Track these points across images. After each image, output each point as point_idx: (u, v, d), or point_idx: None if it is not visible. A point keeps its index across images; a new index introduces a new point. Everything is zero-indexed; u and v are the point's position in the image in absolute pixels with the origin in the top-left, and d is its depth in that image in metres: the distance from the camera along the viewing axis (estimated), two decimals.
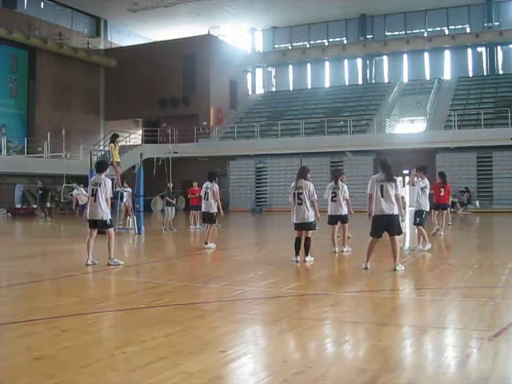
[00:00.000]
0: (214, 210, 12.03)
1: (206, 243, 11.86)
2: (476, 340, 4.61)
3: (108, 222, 9.00)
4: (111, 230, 9.11)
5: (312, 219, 9.25)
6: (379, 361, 4.08)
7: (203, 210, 12.26)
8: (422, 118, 33.42)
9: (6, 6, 34.28)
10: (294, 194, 9.27)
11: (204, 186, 12.33)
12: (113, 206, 17.31)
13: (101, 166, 9.32)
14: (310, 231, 9.38)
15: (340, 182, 10.90)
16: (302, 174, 9.47)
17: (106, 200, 8.91)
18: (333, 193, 10.83)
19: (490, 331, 4.81)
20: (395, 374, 3.78)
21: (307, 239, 9.38)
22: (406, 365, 4.09)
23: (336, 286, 7.71)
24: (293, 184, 9.45)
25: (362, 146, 30.47)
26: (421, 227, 10.90)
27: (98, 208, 8.89)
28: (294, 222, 9.35)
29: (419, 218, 10.96)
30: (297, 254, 9.31)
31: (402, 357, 4.31)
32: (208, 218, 12.09)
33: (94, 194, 8.91)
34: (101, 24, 41.54)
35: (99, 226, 9.03)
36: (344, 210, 10.85)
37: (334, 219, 10.90)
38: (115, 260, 9.03)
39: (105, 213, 8.91)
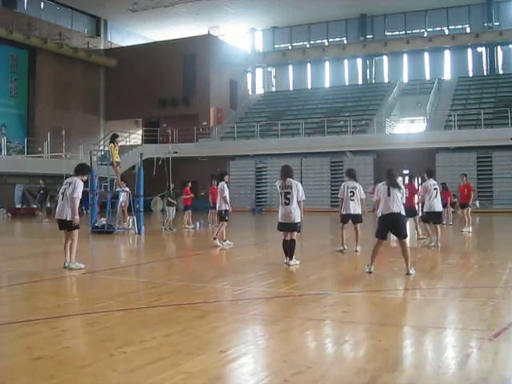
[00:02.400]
0: (222, 208, 12.42)
1: (215, 239, 12.32)
2: (476, 340, 4.61)
3: (74, 223, 8.68)
4: (75, 231, 8.77)
5: (298, 220, 8.93)
6: (379, 361, 4.07)
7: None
8: (422, 118, 33.39)
9: (6, 6, 34.24)
10: (281, 193, 8.98)
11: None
12: (113, 206, 17.43)
13: (78, 168, 9.06)
14: (296, 233, 9.07)
15: (356, 182, 10.99)
16: (289, 172, 9.13)
17: (73, 200, 8.59)
18: (351, 192, 10.84)
19: (490, 331, 4.81)
20: (395, 374, 3.78)
21: (292, 241, 9.03)
22: (405, 365, 4.09)
23: (336, 286, 7.71)
24: (278, 183, 9.12)
25: (362, 146, 30.44)
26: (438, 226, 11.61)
27: (65, 207, 8.68)
28: (280, 221, 9.08)
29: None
30: (287, 256, 9.07)
31: (401, 357, 4.31)
32: (220, 217, 12.70)
33: (63, 193, 8.75)
34: (101, 24, 41.50)
35: (65, 225, 8.78)
36: (359, 210, 10.93)
37: (347, 218, 10.94)
38: (77, 263, 8.73)
39: (69, 213, 8.65)
